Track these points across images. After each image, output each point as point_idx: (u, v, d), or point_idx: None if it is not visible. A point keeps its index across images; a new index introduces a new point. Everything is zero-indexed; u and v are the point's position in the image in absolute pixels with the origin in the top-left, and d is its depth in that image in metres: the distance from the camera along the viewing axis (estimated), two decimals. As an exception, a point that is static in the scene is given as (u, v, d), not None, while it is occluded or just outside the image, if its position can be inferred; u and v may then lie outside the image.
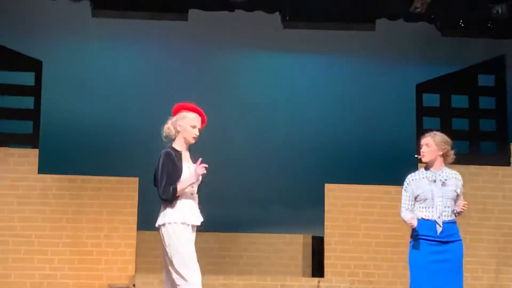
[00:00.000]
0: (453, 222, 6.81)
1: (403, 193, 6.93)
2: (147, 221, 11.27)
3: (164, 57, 12.71)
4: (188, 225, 6.13)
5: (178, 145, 6.26)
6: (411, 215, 6.77)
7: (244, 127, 12.64)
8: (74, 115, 12.43)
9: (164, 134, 6.32)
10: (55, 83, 12.01)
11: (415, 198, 6.86)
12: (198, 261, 11.56)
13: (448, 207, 6.78)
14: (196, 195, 6.25)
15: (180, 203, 6.13)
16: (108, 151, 12.26)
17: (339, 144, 12.44)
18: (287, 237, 11.85)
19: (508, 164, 11.58)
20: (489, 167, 11.55)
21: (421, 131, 11.03)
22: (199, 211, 6.24)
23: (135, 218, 10.88)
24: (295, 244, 11.79)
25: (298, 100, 12.85)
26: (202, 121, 6.35)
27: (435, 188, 6.80)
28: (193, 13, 11.04)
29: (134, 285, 10.23)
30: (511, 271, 11.31)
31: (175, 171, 6.12)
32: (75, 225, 10.81)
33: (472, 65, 11.97)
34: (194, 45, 12.54)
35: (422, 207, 6.81)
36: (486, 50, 12.14)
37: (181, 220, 6.11)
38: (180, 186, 6.09)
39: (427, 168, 6.91)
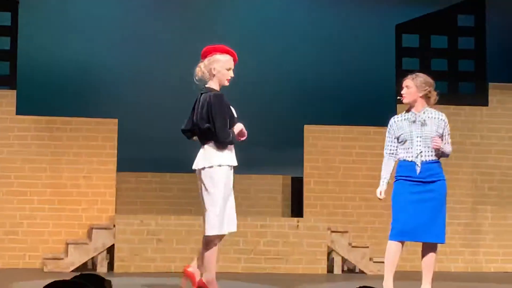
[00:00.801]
0: (434, 162, 6.85)
1: (386, 135, 6.99)
2: (126, 162, 11.33)
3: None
4: (233, 166, 6.41)
5: (216, 87, 6.35)
6: (380, 187, 6.91)
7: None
8: (52, 55, 12.33)
9: (197, 77, 6.43)
10: (32, 23, 11.87)
11: (398, 140, 6.91)
12: (179, 202, 11.60)
13: (428, 147, 6.82)
14: None
15: (229, 146, 6.37)
16: (87, 92, 12.21)
17: (319, 85, 12.45)
18: (266, 177, 11.90)
19: (486, 105, 11.64)
20: (467, 108, 11.61)
21: (400, 72, 11.05)
22: None
23: (115, 159, 10.88)
24: (274, 185, 11.85)
25: (277, 42, 12.80)
26: (234, 62, 6.48)
27: (414, 129, 6.84)
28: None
29: (114, 226, 10.27)
30: (487, 209, 11.44)
31: (230, 115, 6.27)
32: (55, 166, 10.80)
33: (451, 5, 11.93)
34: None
35: (403, 148, 6.88)
36: (466, -10, 12.09)
37: (230, 162, 6.35)
38: (236, 130, 6.31)
39: (409, 109, 6.94)
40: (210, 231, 6.35)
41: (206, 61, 6.41)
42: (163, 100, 12.40)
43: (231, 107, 6.46)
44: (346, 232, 10.69)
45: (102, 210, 10.80)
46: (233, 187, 6.50)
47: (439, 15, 11.88)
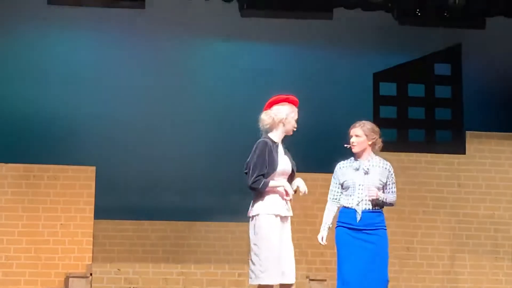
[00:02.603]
0: (375, 211, 6.81)
1: (332, 180, 6.99)
2: (104, 210, 11.28)
3: (120, 45, 12.63)
4: (278, 216, 6.27)
5: (276, 136, 6.34)
6: (321, 233, 6.90)
7: (200, 116, 12.60)
8: (29, 103, 12.31)
9: (265, 125, 6.36)
10: (8, 71, 11.88)
11: (342, 187, 6.91)
12: (156, 250, 11.51)
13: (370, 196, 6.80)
14: None
15: (273, 195, 6.25)
16: (65, 140, 12.16)
17: (296, 132, 12.46)
18: (245, 225, 11.78)
19: (463, 153, 11.70)
20: (444, 156, 11.66)
21: (378, 120, 11.12)
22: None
23: (92, 207, 10.82)
24: (252, 233, 11.78)
25: (255, 88, 12.83)
26: None
27: (356, 177, 6.82)
28: (149, 1, 10.96)
29: (91, 274, 10.18)
30: (465, 258, 11.45)
31: (271, 163, 6.18)
32: (32, 214, 10.72)
33: (428, 54, 12.05)
34: (150, 33, 12.46)
35: (345, 195, 6.87)
36: (443, 39, 12.22)
37: (274, 211, 6.23)
38: (272, 183, 6.18)
39: (356, 157, 6.92)
40: (250, 280, 6.36)
41: (275, 110, 6.35)
42: (141, 148, 12.39)
43: (285, 157, 6.35)
44: (325, 280, 10.65)
45: (79, 258, 10.72)
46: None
47: (416, 64, 12.00)
